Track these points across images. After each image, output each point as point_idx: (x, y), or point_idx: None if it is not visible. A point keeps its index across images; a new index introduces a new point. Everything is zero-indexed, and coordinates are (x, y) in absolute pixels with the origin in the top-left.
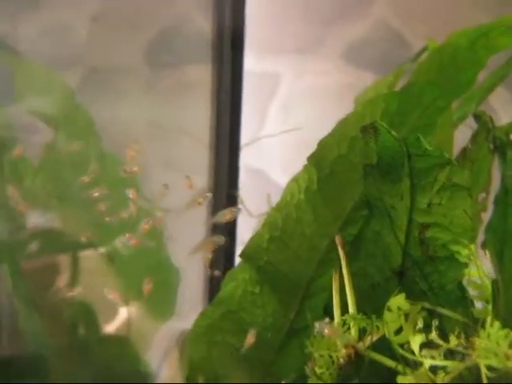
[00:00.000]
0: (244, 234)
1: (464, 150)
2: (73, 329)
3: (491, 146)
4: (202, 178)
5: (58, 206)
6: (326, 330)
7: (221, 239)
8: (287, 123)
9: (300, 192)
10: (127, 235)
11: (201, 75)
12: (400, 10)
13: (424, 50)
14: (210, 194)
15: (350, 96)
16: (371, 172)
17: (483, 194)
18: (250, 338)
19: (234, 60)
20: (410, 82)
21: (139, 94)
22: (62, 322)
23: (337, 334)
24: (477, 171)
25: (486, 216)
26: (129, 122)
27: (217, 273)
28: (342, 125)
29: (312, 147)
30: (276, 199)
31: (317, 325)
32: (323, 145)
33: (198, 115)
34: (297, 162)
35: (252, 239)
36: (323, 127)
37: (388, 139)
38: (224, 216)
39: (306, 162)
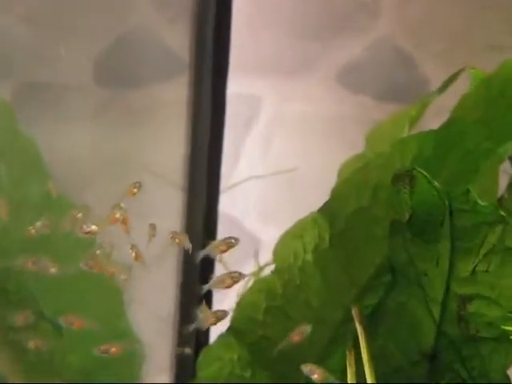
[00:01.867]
0: (221, 299)
1: (500, 200)
2: None
3: None
4: (171, 227)
5: None
6: (316, 375)
7: (236, 241)
8: (267, 160)
9: (306, 251)
10: None
11: (172, 96)
12: (409, 26)
13: (454, 77)
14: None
15: (346, 128)
16: (400, 229)
17: None
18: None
19: (216, 79)
20: (450, 119)
21: (86, 118)
22: None
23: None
24: None
25: None
26: (73, 153)
27: (188, 351)
28: (362, 169)
29: (297, 190)
30: (252, 254)
31: (305, 368)
32: (338, 194)
33: (168, 147)
34: (278, 209)
35: (241, 308)
36: (312, 166)
37: (426, 190)
38: (222, 283)
39: (312, 213)
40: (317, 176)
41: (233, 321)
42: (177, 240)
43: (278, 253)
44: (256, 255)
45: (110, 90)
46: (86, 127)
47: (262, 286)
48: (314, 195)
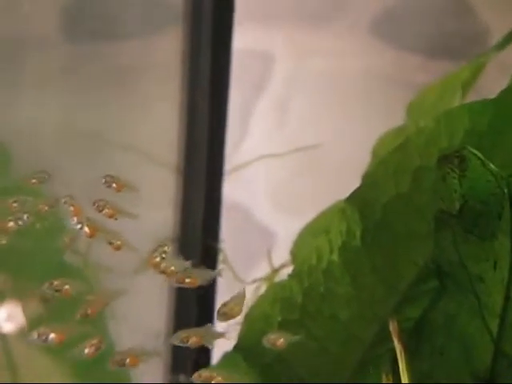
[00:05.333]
0: None
1: None
2: None
3: None
4: (163, 220)
5: None
6: None
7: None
8: (283, 131)
9: (332, 251)
10: None
11: (162, 53)
12: None
13: None
14: (169, 248)
15: (382, 92)
16: (448, 223)
17: None
18: None
19: (217, 31)
20: (510, 85)
21: (51, 82)
22: None
23: None
24: None
25: None
26: (35, 127)
27: (182, 379)
28: (401, 148)
29: (320, 172)
30: (265, 250)
31: None
32: (371, 178)
33: (158, 118)
34: (296, 196)
35: (250, 322)
36: (339, 141)
37: (481, 174)
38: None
39: (339, 201)
40: (345, 154)
41: (240, 337)
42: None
43: (296, 252)
44: (269, 254)
45: (82, 44)
46: (51, 93)
47: (276, 295)
48: (342, 179)
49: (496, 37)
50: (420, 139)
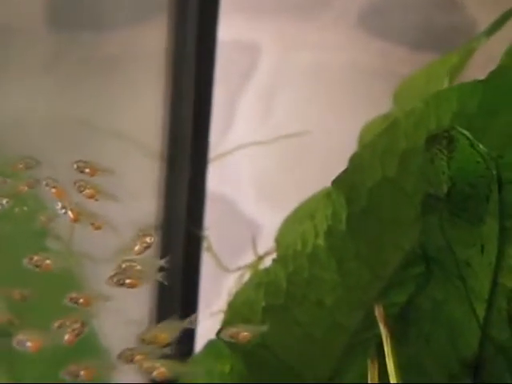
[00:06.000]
0: (210, 298)
1: None
2: None
3: None
4: (146, 208)
5: None
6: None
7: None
8: (268, 122)
9: (317, 235)
10: None
11: (147, 43)
12: None
13: (506, 17)
14: (152, 239)
15: (368, 83)
16: (436, 206)
17: None
18: None
19: (202, 20)
20: (500, 67)
21: (36, 71)
22: None
23: None
24: None
25: None
26: (19, 116)
27: None
28: (389, 131)
29: (305, 161)
30: (248, 241)
31: None
32: (358, 161)
33: (143, 107)
34: (280, 186)
35: (234, 308)
36: (325, 130)
37: (469, 156)
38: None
39: (324, 188)
40: (330, 145)
41: (224, 324)
42: None
43: (280, 238)
44: (254, 242)
45: (66, 34)
46: (36, 82)
47: (260, 280)
48: (327, 170)
49: (482, 29)
50: (408, 121)
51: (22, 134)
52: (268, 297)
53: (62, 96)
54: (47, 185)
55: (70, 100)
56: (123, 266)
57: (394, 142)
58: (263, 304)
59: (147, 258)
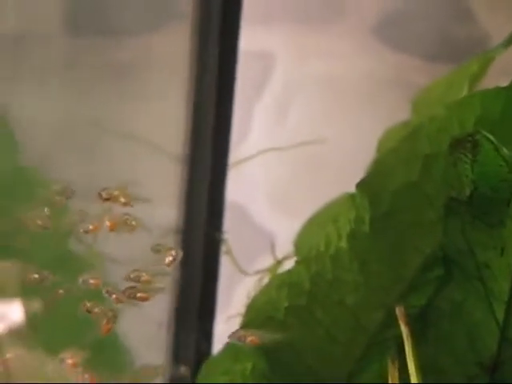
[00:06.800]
0: (226, 301)
1: None
2: None
3: None
4: (166, 212)
5: None
6: None
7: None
8: (283, 131)
9: (341, 238)
10: None
11: (170, 49)
12: None
13: None
14: (179, 254)
15: (383, 93)
16: (458, 210)
17: None
18: None
19: (225, 28)
20: None
21: (54, 74)
22: None
23: None
24: None
25: None
26: (36, 119)
27: (183, 370)
28: (412, 136)
29: (320, 171)
30: (262, 250)
31: None
32: (381, 166)
33: (165, 113)
34: (294, 192)
35: (256, 308)
36: (340, 140)
37: (492, 160)
38: None
39: (345, 192)
40: (345, 155)
41: (245, 322)
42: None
43: (300, 242)
44: (272, 246)
45: (84, 39)
46: (54, 86)
47: (283, 281)
48: (342, 179)
49: (496, 41)
50: (431, 126)
51: (39, 137)
52: (291, 297)
53: (80, 100)
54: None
55: (88, 104)
56: (131, 275)
57: (417, 147)
58: (286, 304)
59: (156, 268)
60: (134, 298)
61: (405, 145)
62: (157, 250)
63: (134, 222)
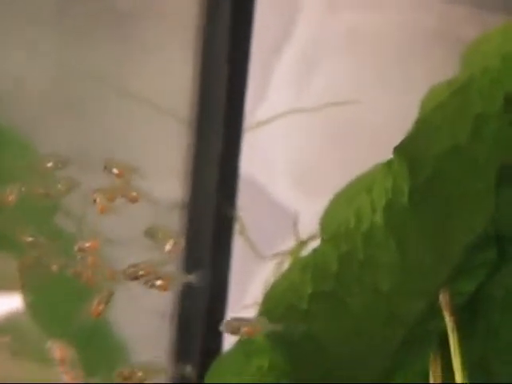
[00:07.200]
0: (242, 289)
1: None
2: None
3: None
4: (172, 183)
5: None
6: None
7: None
8: (306, 91)
9: (375, 211)
10: None
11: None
12: None
13: None
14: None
15: (423, 45)
16: None
17: None
18: None
19: None
20: None
21: (44, 22)
22: None
23: None
24: None
25: None
26: (23, 74)
27: (188, 370)
28: (461, 91)
29: (349, 139)
30: (281, 231)
31: None
32: (424, 127)
33: (170, 69)
34: (317, 166)
35: (275, 294)
36: (373, 102)
37: None
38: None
39: (383, 160)
40: (379, 118)
41: (262, 312)
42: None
43: (328, 217)
44: (295, 226)
45: None
46: (44, 35)
47: (307, 262)
48: (374, 147)
49: None
50: (484, 80)
51: (27, 96)
52: (316, 282)
53: (73, 55)
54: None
55: (82, 60)
56: (128, 271)
57: (467, 104)
58: (310, 290)
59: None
60: (152, 286)
61: (452, 101)
62: (151, 233)
63: (134, 193)
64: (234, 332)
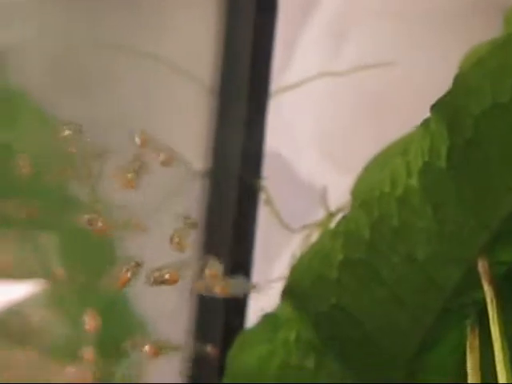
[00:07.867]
0: (266, 263)
1: None
2: None
3: None
4: (193, 152)
5: None
6: None
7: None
8: (336, 56)
9: (411, 174)
10: None
11: None
12: None
13: None
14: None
15: (468, 8)
16: None
17: None
18: None
19: None
20: None
21: None
22: None
23: None
24: None
25: None
26: (32, 37)
27: (209, 349)
28: (503, 46)
29: (382, 107)
30: (308, 208)
31: None
32: (463, 84)
33: (192, 32)
34: (348, 139)
35: (301, 265)
36: (408, 69)
37: None
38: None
39: (423, 118)
40: (414, 85)
41: (290, 282)
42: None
43: (361, 184)
44: (323, 195)
45: None
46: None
47: (338, 229)
48: (409, 119)
49: None
50: None
51: (38, 60)
52: (347, 249)
53: (85, 17)
54: None
55: (107, 17)
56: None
57: (509, 60)
58: (340, 258)
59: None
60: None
61: (493, 58)
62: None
63: (163, 157)
64: (207, 291)
